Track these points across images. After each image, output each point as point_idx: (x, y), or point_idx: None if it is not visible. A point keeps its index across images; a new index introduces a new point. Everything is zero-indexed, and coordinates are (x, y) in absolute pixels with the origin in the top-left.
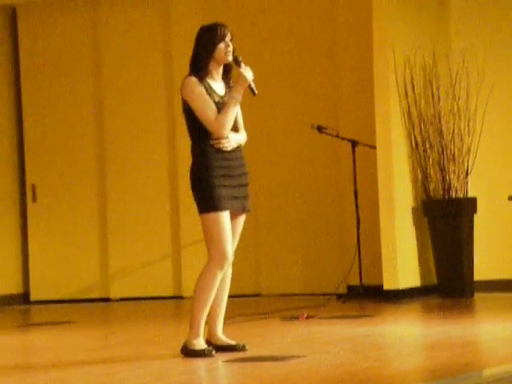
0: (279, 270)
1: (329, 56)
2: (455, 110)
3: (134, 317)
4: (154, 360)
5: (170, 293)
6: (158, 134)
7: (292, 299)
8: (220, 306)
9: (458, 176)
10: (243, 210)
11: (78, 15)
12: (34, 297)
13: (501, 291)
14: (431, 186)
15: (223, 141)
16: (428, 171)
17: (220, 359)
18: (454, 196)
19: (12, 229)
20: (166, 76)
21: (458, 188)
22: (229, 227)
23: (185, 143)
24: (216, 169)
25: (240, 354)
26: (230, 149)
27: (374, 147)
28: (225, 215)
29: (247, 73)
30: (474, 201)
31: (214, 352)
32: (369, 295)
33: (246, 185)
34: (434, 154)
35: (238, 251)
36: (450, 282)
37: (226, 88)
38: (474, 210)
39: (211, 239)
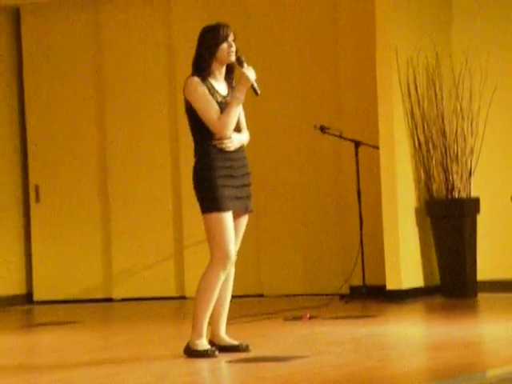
0: (282, 270)
1: (331, 56)
2: (458, 110)
3: (137, 317)
4: (156, 360)
5: (172, 293)
6: (161, 134)
7: (295, 299)
8: (223, 306)
9: (461, 176)
10: (246, 211)
11: (80, 16)
12: (37, 297)
13: (504, 291)
14: (434, 187)
15: (226, 141)
16: (431, 171)
17: (223, 360)
18: (456, 196)
19: (15, 229)
20: (168, 76)
21: (461, 188)
22: (231, 227)
23: (187, 143)
24: (219, 169)
25: (243, 355)
26: (232, 149)
27: (377, 147)
28: (227, 215)
29: (250, 73)
30: (476, 201)
31: (216, 352)
32: (371, 295)
33: (248, 185)
34: (437, 154)
35: (241, 251)
36: (453, 282)
37: (229, 88)
38: (477, 211)
39: (214, 239)
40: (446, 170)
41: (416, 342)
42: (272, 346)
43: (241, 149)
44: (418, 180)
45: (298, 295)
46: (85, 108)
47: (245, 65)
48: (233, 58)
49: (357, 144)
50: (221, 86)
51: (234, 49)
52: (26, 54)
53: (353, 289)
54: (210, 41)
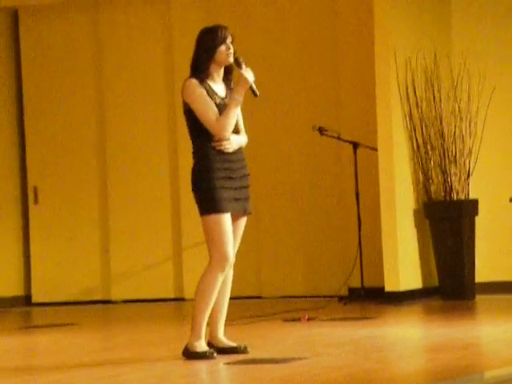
0: (281, 271)
1: (330, 58)
2: (457, 111)
3: (136, 319)
4: (155, 362)
5: (171, 295)
6: (160, 135)
7: (293, 301)
8: (221, 307)
9: (460, 178)
10: (244, 212)
11: (79, 17)
12: (35, 299)
13: (502, 293)
14: (432, 188)
15: (224, 143)
16: (429, 173)
17: (221, 361)
18: (455, 198)
19: (14, 231)
20: (167, 77)
21: (460, 190)
22: (230, 229)
23: (186, 145)
24: (217, 170)
25: (241, 356)
26: (231, 151)
27: (376, 149)
28: (226, 217)
29: (248, 74)
30: (475, 203)
31: (215, 354)
32: (370, 297)
33: (247, 187)
34: (435, 155)
35: (240, 253)
36: (452, 284)
37: (227, 90)
38: (476, 212)
39: (212, 241)
40: (444, 172)
41: (414, 343)
42: (270, 348)
43: (239, 150)
44: (416, 182)
45: (296, 297)
46: (83, 109)
47: (243, 66)
48: (231, 60)
49: (355, 146)
50: (219, 88)
51: (232, 51)
52: (25, 56)
53: (351, 290)
54: (208, 43)
